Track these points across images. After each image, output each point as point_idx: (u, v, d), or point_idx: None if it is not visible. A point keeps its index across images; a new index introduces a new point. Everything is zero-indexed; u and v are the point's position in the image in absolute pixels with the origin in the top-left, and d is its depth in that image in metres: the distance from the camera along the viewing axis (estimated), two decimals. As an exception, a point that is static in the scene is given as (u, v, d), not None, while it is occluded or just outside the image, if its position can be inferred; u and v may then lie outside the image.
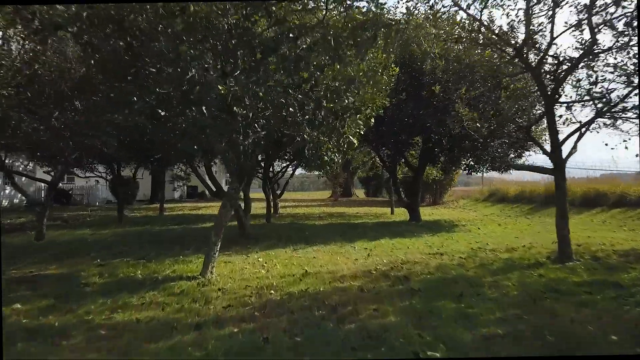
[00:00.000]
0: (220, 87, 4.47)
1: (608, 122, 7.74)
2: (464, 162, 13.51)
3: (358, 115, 6.68)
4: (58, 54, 7.58)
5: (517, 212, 17.02)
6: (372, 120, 7.75)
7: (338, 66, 5.20)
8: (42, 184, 25.54)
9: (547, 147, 7.16)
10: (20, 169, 18.30)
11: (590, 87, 6.47)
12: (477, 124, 7.59)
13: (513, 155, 12.88)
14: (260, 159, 13.44)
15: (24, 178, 15.50)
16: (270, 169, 17.19)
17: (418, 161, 14.52)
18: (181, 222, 15.40)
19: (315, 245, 9.39)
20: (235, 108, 6.14)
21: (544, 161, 12.11)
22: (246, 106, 5.18)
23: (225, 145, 6.17)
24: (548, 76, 6.78)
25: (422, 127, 11.81)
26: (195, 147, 6.59)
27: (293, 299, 5.30)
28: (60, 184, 25.83)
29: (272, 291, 5.68)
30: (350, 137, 6.43)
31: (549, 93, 6.56)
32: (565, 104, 6.89)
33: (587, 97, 6.52)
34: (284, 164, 18.65)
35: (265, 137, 6.65)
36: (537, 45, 6.34)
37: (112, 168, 15.16)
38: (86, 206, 24.07)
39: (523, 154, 12.91)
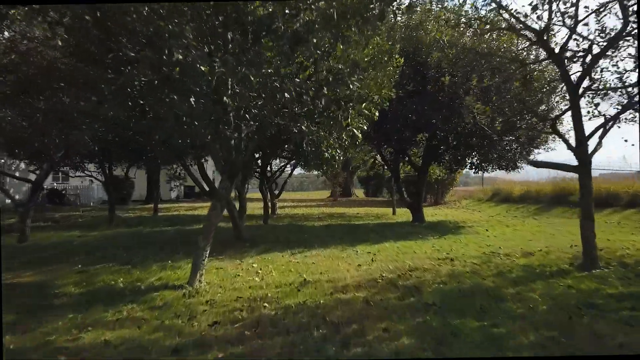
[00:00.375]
0: (203, 68, 3.76)
1: (629, 116, 7.08)
2: (469, 161, 12.79)
3: (363, 105, 5.96)
4: (31, 40, 6.84)
5: (523, 213, 16.32)
6: (377, 113, 7.06)
7: (341, 46, 4.50)
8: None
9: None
10: (13, 168, 17.55)
11: (621, 74, 5.78)
12: (489, 117, 6.89)
13: (524, 153, 12.17)
14: (257, 156, 12.73)
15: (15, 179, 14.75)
16: (268, 168, 16.49)
17: (422, 160, 13.80)
18: (175, 223, 14.69)
19: (314, 249, 8.68)
20: (225, 98, 5.44)
21: (554, 159, 11.44)
22: (236, 94, 4.49)
23: (214, 138, 5.46)
24: (572, 63, 6.08)
25: (426, 124, 11.09)
26: (180, 140, 5.86)
27: (289, 314, 4.59)
28: (55, 184, 25.17)
29: (266, 304, 4.97)
30: (354, 130, 5.71)
31: (575, 82, 5.86)
32: (591, 95, 6.19)
33: (618, 86, 5.83)
34: (282, 163, 17.96)
35: (258, 130, 5.95)
36: (568, 24, 5.61)
37: (103, 167, 14.38)
38: (80, 206, 23.33)
39: (532, 152, 12.21)
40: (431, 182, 21.29)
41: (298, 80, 4.51)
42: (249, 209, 22.41)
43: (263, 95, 5.08)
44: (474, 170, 12.83)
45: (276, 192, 18.78)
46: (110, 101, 4.47)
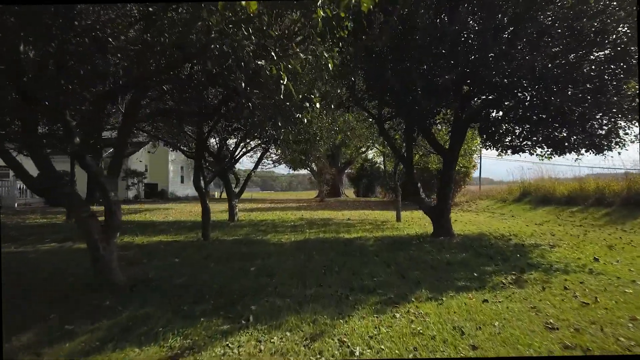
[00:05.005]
0: None
1: None
2: (538, 138, 7.31)
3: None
4: None
5: (589, 220, 10.88)
6: None
7: None
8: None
9: None
10: None
11: None
12: None
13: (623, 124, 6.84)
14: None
15: None
16: (215, 149, 10.94)
17: (450, 137, 8.30)
18: (69, 238, 9.09)
19: (244, 329, 3.18)
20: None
21: None
22: None
23: None
24: None
25: (483, 60, 5.60)
26: None
27: None
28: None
29: None
30: None
31: None
32: None
33: None
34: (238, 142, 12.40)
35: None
36: None
37: None
38: (-1, 208, 17.34)
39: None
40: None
41: None
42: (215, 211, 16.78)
43: None
44: (553, 153, 7.36)
45: (237, 190, 13.20)
46: None
